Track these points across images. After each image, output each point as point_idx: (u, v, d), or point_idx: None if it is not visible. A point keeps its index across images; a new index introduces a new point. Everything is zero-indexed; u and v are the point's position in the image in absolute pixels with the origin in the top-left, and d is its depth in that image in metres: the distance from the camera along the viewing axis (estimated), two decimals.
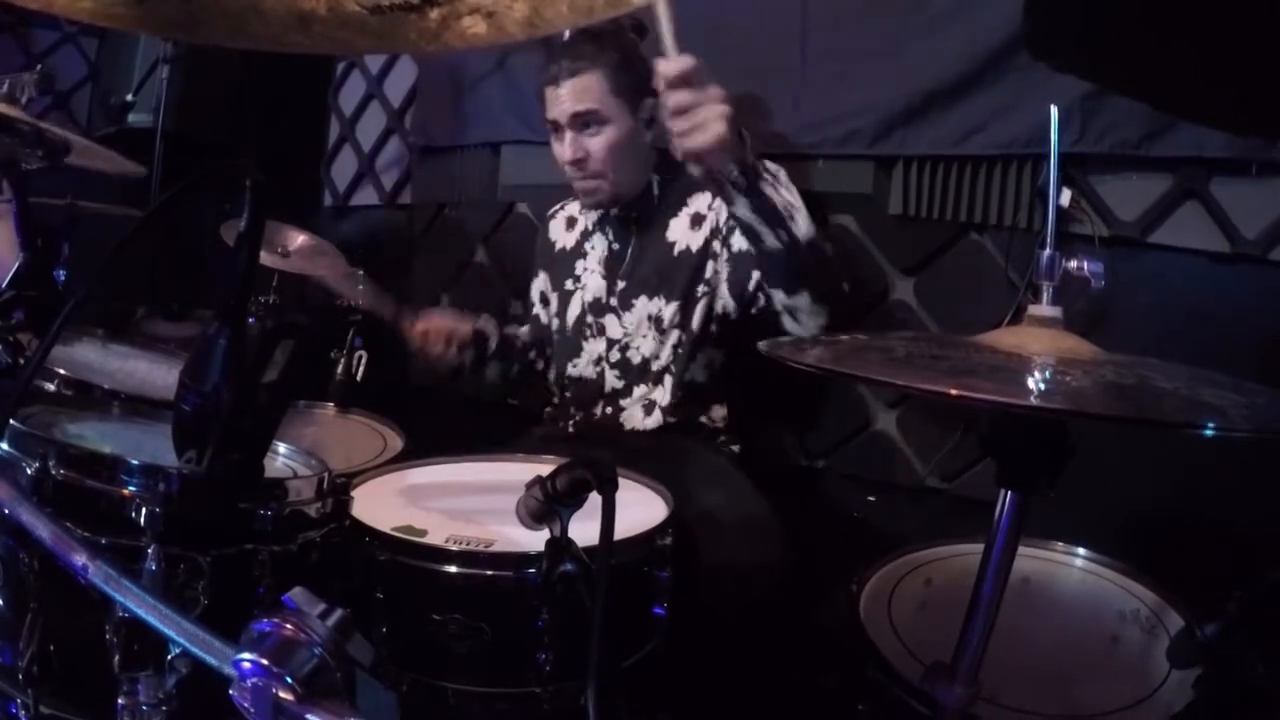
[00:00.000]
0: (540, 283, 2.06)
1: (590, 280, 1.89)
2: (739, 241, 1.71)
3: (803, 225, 1.49)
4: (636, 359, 1.84)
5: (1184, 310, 1.75)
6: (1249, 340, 1.67)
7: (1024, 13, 0.75)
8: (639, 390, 1.85)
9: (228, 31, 0.71)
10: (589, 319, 1.88)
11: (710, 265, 1.79)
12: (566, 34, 1.72)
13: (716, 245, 1.79)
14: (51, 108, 3.16)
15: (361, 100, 3.03)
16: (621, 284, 1.85)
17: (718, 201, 1.75)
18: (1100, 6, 0.69)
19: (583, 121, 1.71)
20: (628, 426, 1.86)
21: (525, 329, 2.09)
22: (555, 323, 1.99)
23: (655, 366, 1.82)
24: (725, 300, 1.79)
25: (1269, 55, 0.64)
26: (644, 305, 1.82)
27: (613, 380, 1.87)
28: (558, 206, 2.05)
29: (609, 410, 1.87)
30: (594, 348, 1.89)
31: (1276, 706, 0.88)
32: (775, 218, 1.45)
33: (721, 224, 1.77)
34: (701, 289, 1.79)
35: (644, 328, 1.82)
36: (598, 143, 1.73)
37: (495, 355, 1.98)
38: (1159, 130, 1.68)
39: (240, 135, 3.05)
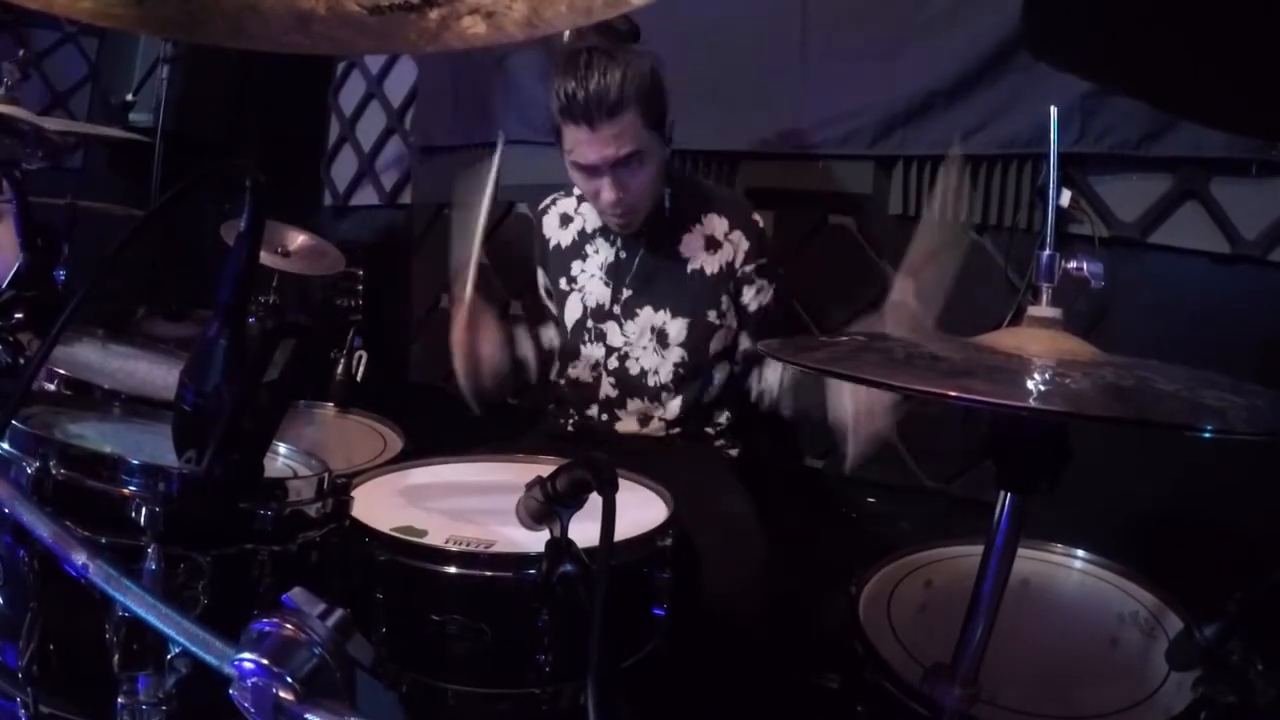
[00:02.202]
0: (542, 279, 2.02)
1: (591, 285, 1.86)
2: (749, 298, 1.80)
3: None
4: (635, 370, 1.82)
5: (1184, 311, 1.75)
6: (1249, 341, 1.67)
7: (1023, 13, 0.75)
8: (634, 404, 1.84)
9: (227, 31, 0.71)
10: (589, 324, 1.86)
11: (725, 300, 1.79)
12: (581, 52, 1.56)
13: (732, 287, 1.79)
14: (51, 107, 3.16)
15: (361, 100, 3.03)
16: (627, 292, 1.82)
17: (736, 234, 1.77)
18: (1100, 6, 0.69)
19: (623, 162, 1.61)
20: (623, 432, 1.85)
21: (555, 334, 2.00)
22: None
23: (653, 382, 1.81)
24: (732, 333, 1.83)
25: (1269, 55, 0.64)
26: (648, 316, 1.80)
27: (608, 388, 1.85)
28: (549, 201, 1.96)
29: (604, 417, 1.87)
30: (592, 353, 1.86)
31: (1276, 709, 0.88)
32: None
33: (739, 267, 1.78)
34: (713, 315, 1.78)
35: (645, 339, 1.80)
36: (638, 180, 1.64)
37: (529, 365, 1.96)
38: (1159, 130, 1.68)
39: (240, 135, 3.05)
